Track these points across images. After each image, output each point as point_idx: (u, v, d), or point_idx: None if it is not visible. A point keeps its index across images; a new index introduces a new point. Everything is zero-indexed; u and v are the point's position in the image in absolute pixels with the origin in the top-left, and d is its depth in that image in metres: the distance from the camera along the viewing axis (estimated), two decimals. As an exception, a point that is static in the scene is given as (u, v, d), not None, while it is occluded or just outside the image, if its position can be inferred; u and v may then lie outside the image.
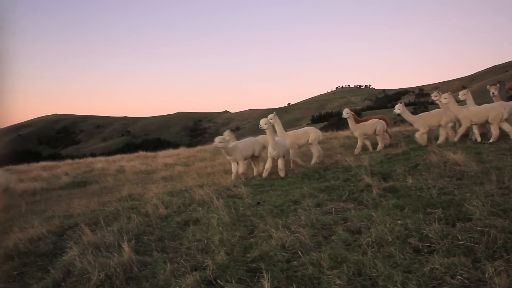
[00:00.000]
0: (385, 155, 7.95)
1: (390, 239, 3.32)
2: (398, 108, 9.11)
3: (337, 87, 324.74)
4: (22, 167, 19.32)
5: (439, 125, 8.55)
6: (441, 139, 8.42)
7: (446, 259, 2.84)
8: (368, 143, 9.79)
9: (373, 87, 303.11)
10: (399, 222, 3.68)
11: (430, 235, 3.26)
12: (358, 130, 9.65)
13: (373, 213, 4.04)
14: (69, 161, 20.90)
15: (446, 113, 8.54)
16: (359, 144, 9.66)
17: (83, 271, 3.58)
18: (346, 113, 9.59)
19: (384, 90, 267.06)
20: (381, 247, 3.25)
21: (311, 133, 8.98)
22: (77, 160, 20.99)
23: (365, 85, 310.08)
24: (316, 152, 8.77)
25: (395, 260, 2.99)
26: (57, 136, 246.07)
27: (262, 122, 7.72)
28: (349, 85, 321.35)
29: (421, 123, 8.74)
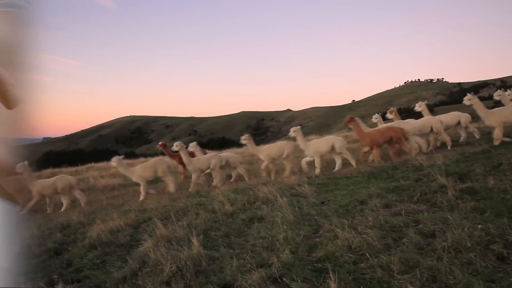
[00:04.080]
0: (461, 153, 7.37)
1: (469, 245, 3.06)
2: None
3: (405, 82, 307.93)
4: (102, 164, 21.13)
5: None
6: None
7: (537, 269, 2.55)
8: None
9: (447, 80, 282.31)
10: (479, 226, 3.38)
11: (517, 242, 2.96)
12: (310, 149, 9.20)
13: (449, 216, 3.76)
14: (142, 159, 22.40)
15: None
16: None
17: (157, 262, 3.82)
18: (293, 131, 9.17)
19: (459, 84, 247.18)
20: (459, 252, 3.02)
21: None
22: (150, 158, 22.37)
23: (437, 79, 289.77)
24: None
25: (475, 267, 2.75)
26: (131, 136, 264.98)
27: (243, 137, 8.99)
28: (419, 79, 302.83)
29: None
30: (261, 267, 3.40)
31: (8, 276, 0.96)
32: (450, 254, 3.00)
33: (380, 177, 6.41)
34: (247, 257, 3.67)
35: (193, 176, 9.38)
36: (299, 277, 3.05)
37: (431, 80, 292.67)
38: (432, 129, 9.23)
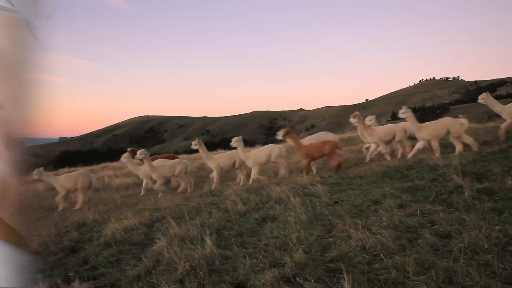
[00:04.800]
0: (478, 153, 7.22)
1: (487, 246, 3.00)
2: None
3: (420, 81, 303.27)
4: (117, 163, 21.38)
5: None
6: None
7: (558, 272, 2.49)
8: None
9: (463, 78, 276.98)
10: (497, 227, 3.31)
11: (537, 244, 2.89)
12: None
13: (465, 217, 3.69)
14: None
15: None
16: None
17: (171, 261, 3.85)
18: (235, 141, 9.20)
19: (475, 82, 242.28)
20: (476, 254, 2.96)
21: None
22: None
23: (453, 77, 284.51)
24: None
25: (492, 269, 2.70)
26: (145, 136, 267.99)
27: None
28: (434, 78, 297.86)
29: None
30: (274, 266, 3.39)
31: (23, 274, 0.97)
32: (466, 256, 2.95)
33: (395, 177, 6.33)
34: (260, 256, 3.67)
35: (157, 183, 9.28)
36: (312, 277, 3.04)
37: (447, 78, 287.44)
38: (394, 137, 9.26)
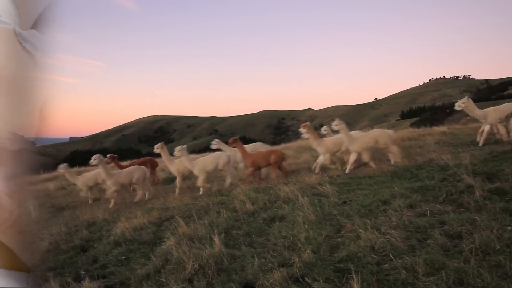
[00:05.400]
0: (489, 152, 7.13)
1: (498, 247, 2.96)
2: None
3: (430, 80, 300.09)
4: (125, 163, 21.51)
5: None
6: None
7: None
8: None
9: (474, 77, 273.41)
10: (508, 228, 3.27)
11: (550, 245, 2.84)
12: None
13: (476, 217, 3.64)
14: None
15: None
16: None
17: (179, 260, 3.87)
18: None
19: (487, 81, 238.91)
20: (487, 255, 2.93)
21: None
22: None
23: (464, 76, 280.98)
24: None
25: (504, 270, 2.66)
26: (154, 136, 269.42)
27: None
28: (444, 77, 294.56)
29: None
30: (282, 266, 3.39)
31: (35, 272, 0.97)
32: (478, 256, 2.92)
33: (404, 177, 6.28)
34: (269, 256, 3.67)
35: (111, 190, 9.05)
36: (321, 277, 3.03)
37: (457, 77, 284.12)
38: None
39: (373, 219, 4.17)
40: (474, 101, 9.36)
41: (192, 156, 11.04)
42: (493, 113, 8.91)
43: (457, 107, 9.14)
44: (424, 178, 5.72)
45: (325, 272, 3.10)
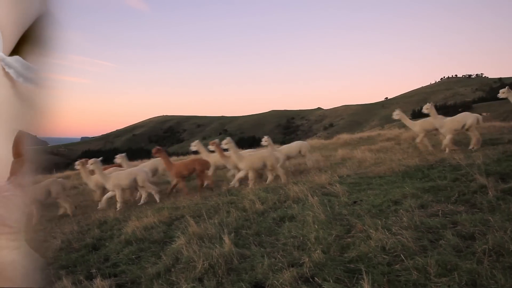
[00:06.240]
0: (503, 152, 7.01)
1: (512, 248, 2.91)
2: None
3: (442, 78, 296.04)
4: (136, 163, 21.70)
5: None
6: None
7: None
8: None
9: (486, 75, 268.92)
10: (523, 229, 3.21)
11: None
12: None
13: (490, 218, 3.59)
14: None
15: None
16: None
17: (189, 259, 3.90)
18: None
19: (500, 79, 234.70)
20: (501, 256, 2.88)
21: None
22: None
23: (476, 74, 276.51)
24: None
25: (519, 272, 2.62)
26: (164, 135, 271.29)
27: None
28: (456, 75, 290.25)
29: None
30: (292, 266, 3.38)
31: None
32: (491, 258, 2.87)
33: (415, 177, 6.21)
34: (278, 256, 3.67)
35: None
36: (331, 277, 3.02)
37: (470, 75, 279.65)
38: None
39: (384, 219, 4.14)
40: (487, 99, 9.41)
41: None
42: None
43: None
44: (436, 178, 5.65)
45: (335, 272, 3.09)
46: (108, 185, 8.67)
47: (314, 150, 14.64)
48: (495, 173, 5.27)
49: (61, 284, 3.76)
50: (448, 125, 9.04)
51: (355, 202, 5.24)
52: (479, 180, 4.86)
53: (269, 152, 9.10)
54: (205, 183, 9.34)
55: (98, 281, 3.71)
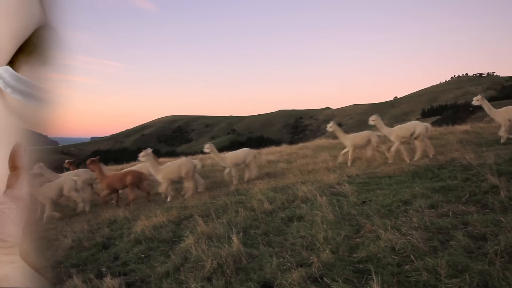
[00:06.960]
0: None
1: (525, 249, 2.87)
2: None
3: (452, 77, 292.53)
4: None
5: None
6: None
7: None
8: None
9: (498, 74, 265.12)
10: (536, 230, 3.16)
11: None
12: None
13: (502, 218, 3.54)
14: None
15: None
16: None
17: (198, 258, 3.91)
18: None
19: (511, 77, 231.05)
20: (513, 257, 2.83)
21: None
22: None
23: (487, 73, 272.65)
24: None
25: (531, 273, 2.57)
26: (173, 135, 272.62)
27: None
28: (467, 74, 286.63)
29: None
30: (301, 266, 3.38)
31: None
32: (503, 259, 2.83)
33: (425, 177, 6.15)
34: (287, 256, 3.66)
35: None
36: (340, 277, 3.01)
37: (481, 74, 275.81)
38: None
39: (393, 220, 4.11)
40: (498, 98, 9.47)
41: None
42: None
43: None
44: (446, 178, 5.59)
45: (344, 273, 3.08)
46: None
47: (322, 150, 14.59)
48: (507, 173, 5.19)
49: (71, 283, 3.81)
50: (396, 132, 9.07)
51: (364, 202, 5.21)
52: (490, 180, 4.80)
53: (186, 160, 9.51)
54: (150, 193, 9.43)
55: (108, 279, 3.74)
